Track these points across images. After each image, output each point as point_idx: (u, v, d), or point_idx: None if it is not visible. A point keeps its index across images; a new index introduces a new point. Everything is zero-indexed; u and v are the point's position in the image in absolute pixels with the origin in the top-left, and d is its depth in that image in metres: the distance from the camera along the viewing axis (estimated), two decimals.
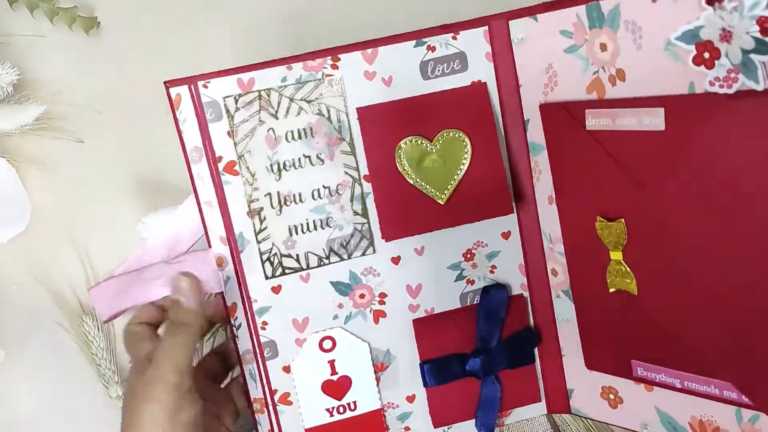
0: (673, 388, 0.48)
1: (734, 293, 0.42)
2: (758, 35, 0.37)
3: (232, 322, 0.56)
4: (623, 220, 0.46)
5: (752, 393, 0.43)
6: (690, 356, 0.45)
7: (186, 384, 0.49)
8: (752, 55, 0.37)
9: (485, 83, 0.54)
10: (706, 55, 0.39)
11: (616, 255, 0.47)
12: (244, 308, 0.54)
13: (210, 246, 0.55)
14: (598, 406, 0.54)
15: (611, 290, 0.48)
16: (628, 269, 0.47)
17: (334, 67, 0.52)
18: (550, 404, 0.57)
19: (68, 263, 0.68)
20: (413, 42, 0.53)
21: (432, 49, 0.53)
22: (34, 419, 0.69)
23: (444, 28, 0.53)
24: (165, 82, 0.53)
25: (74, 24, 0.67)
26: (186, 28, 0.69)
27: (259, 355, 0.54)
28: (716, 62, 0.39)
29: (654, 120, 0.42)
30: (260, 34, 0.68)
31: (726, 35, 0.38)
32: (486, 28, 0.53)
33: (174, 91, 0.52)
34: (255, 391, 0.57)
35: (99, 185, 0.68)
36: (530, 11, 0.50)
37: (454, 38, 0.53)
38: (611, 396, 0.53)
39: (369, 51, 0.52)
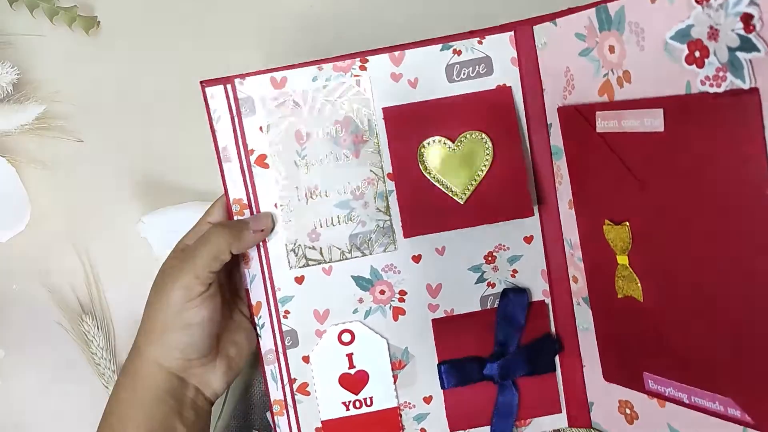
0: (681, 403, 0.48)
1: (732, 298, 0.42)
2: (743, 32, 0.38)
3: (256, 321, 0.60)
4: (627, 223, 0.47)
5: (752, 409, 0.43)
6: (693, 368, 0.46)
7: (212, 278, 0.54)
8: (738, 53, 0.38)
9: (510, 87, 0.56)
10: (697, 53, 0.40)
11: (622, 259, 0.48)
12: (267, 300, 0.59)
13: None
14: (617, 422, 0.55)
15: (620, 296, 0.49)
16: (634, 274, 0.48)
17: (363, 68, 0.56)
18: (570, 417, 0.58)
19: (68, 263, 0.73)
20: (440, 46, 0.56)
21: (458, 53, 0.56)
22: (34, 419, 0.74)
23: (470, 33, 0.56)
24: (201, 82, 0.58)
25: (74, 24, 0.71)
26: (186, 27, 0.72)
27: (280, 344, 0.59)
28: (706, 61, 0.40)
29: (654, 121, 0.44)
30: (264, 34, 0.71)
31: (713, 33, 0.39)
32: (512, 33, 0.56)
33: (210, 91, 0.58)
34: (276, 393, 0.61)
35: (99, 185, 0.73)
36: (552, 17, 0.52)
37: (480, 43, 0.56)
38: (627, 411, 0.53)
39: (396, 54, 0.56)
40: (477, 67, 0.56)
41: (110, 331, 0.73)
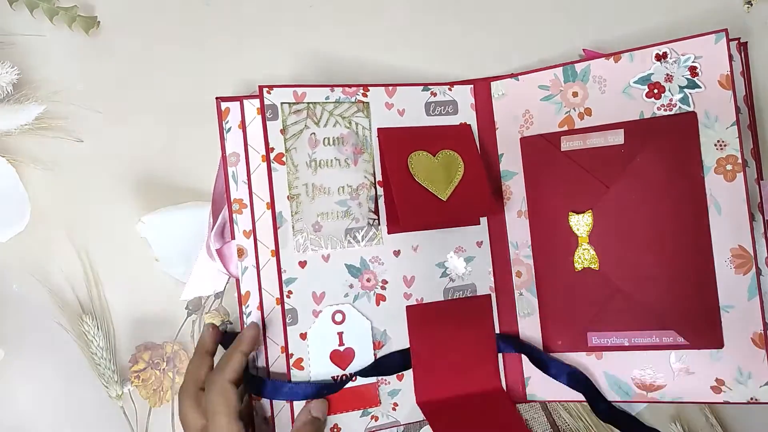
0: (621, 347, 0.67)
1: (670, 259, 0.64)
2: (689, 77, 0.62)
3: (244, 310, 0.68)
4: (591, 211, 0.67)
5: (687, 334, 0.65)
6: (640, 312, 0.66)
7: None
8: (686, 90, 0.62)
9: (469, 125, 0.75)
10: (656, 91, 0.64)
11: (583, 239, 0.67)
12: (259, 289, 0.68)
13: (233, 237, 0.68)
14: (552, 387, 0.71)
15: (578, 269, 0.68)
16: (592, 250, 0.67)
17: (364, 95, 0.71)
18: (510, 394, 0.73)
19: (68, 263, 0.75)
20: (421, 87, 0.73)
21: (434, 94, 0.74)
22: (34, 419, 0.73)
23: (444, 83, 0.74)
24: (217, 98, 0.69)
25: (74, 24, 0.74)
26: (185, 27, 0.78)
27: (281, 321, 0.66)
28: (662, 95, 0.63)
29: (616, 137, 0.66)
30: (264, 33, 0.79)
31: (669, 78, 0.63)
32: (471, 86, 0.75)
33: (224, 104, 0.69)
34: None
35: (99, 185, 0.75)
36: (512, 75, 0.73)
37: (450, 89, 0.74)
38: None
39: (390, 88, 0.72)
40: (447, 107, 0.74)
41: (110, 331, 0.73)
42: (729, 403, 0.65)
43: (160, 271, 0.76)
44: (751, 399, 0.64)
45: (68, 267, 0.74)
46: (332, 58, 0.77)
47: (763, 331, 0.63)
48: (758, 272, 0.63)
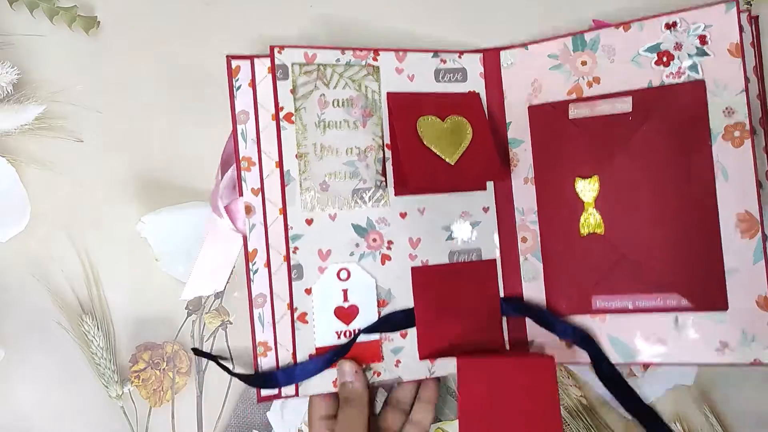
0: (625, 310, 0.67)
1: (675, 223, 0.65)
2: (699, 45, 0.62)
3: (250, 267, 0.68)
4: (597, 176, 0.67)
5: (691, 295, 0.66)
6: (645, 276, 0.67)
7: None
8: (695, 58, 0.62)
9: (478, 93, 0.75)
10: (665, 59, 0.64)
11: (589, 205, 0.68)
12: (266, 247, 0.68)
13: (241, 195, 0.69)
14: (556, 350, 0.71)
15: (583, 234, 0.68)
16: (598, 214, 0.67)
17: (375, 59, 0.71)
18: None
19: (68, 263, 0.75)
20: (432, 53, 0.74)
21: (444, 61, 0.74)
22: (34, 419, 0.74)
23: (454, 51, 0.75)
24: (227, 56, 0.69)
25: (74, 23, 0.75)
26: (185, 27, 0.79)
27: (287, 276, 0.67)
28: (671, 62, 0.64)
29: (624, 105, 0.66)
30: (265, 34, 0.79)
31: (678, 46, 0.64)
32: (481, 54, 0.75)
33: (235, 62, 0.69)
34: (261, 335, 0.69)
35: (99, 185, 0.76)
36: (521, 45, 0.73)
37: (460, 57, 0.75)
38: None
39: (401, 53, 0.72)
40: (456, 74, 0.75)
41: (110, 331, 0.74)
42: (733, 364, 0.65)
43: (160, 271, 0.76)
44: (755, 360, 0.64)
45: (68, 267, 0.75)
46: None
47: (767, 294, 0.63)
48: (764, 237, 0.64)
